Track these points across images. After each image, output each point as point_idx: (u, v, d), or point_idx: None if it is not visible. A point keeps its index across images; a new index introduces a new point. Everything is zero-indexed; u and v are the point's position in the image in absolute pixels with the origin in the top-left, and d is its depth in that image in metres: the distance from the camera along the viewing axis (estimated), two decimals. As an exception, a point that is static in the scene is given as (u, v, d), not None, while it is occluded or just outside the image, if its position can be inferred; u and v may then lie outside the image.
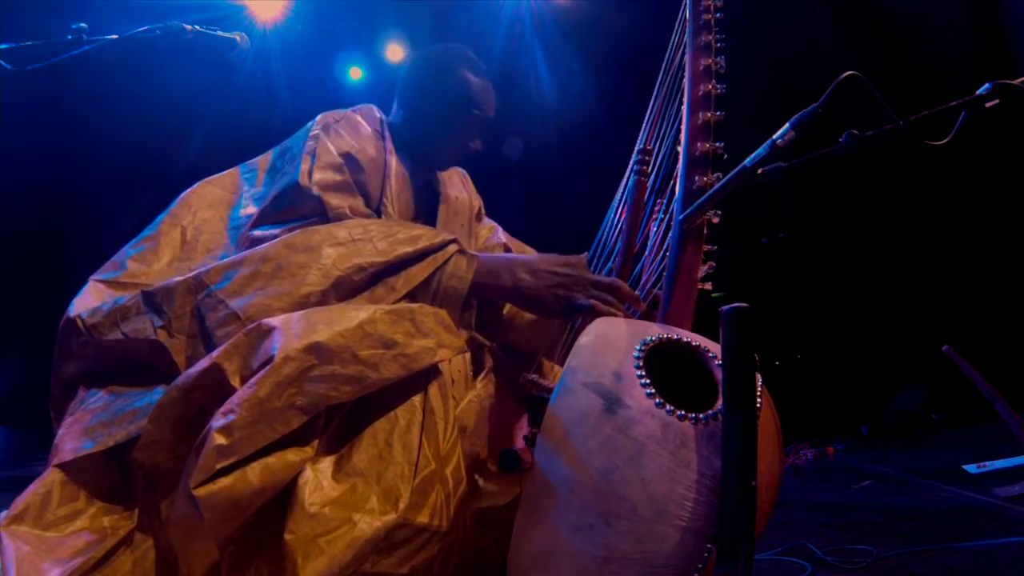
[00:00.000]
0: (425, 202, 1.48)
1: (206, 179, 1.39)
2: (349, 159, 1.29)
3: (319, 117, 1.37)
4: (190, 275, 1.08)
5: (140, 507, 0.99)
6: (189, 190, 1.36)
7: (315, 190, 1.21)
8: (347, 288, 1.05)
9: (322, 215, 1.21)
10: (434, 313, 1.04)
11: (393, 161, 1.37)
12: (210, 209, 1.34)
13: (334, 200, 1.21)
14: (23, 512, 0.95)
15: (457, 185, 1.58)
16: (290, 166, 1.29)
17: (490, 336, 1.34)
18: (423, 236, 1.14)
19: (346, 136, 1.33)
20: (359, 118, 1.39)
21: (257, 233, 1.20)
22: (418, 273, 1.11)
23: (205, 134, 4.62)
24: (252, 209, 1.31)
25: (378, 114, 1.46)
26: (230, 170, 1.43)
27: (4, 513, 0.96)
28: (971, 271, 4.57)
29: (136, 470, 0.98)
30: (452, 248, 1.16)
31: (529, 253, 1.67)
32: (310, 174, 1.23)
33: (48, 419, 1.16)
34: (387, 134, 1.41)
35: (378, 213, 1.31)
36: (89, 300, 1.15)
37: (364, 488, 0.89)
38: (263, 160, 1.43)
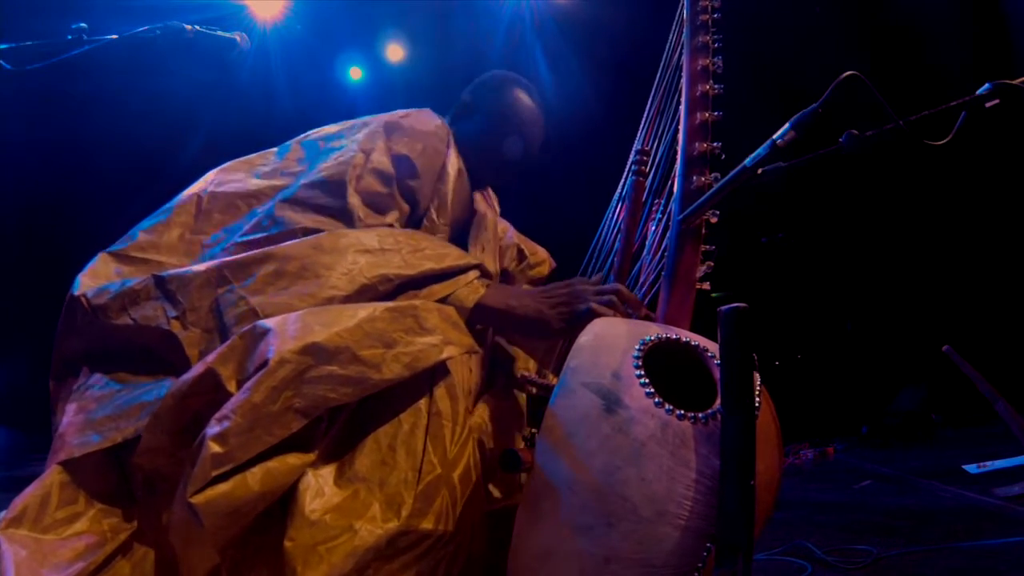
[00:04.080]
0: (464, 220, 1.46)
1: (236, 159, 1.32)
2: (405, 162, 1.24)
3: (384, 115, 1.31)
4: (211, 265, 1.05)
5: (140, 509, 0.99)
6: (217, 168, 1.30)
7: (354, 197, 1.16)
8: (370, 296, 1.03)
9: (354, 216, 1.16)
10: (438, 309, 1.02)
11: (452, 171, 1.32)
12: (231, 180, 1.27)
13: (366, 214, 1.17)
14: (21, 514, 0.94)
15: (481, 200, 1.56)
16: (337, 155, 1.22)
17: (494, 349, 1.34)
18: (449, 255, 1.13)
19: (405, 137, 1.27)
20: (424, 118, 1.34)
21: (282, 212, 1.15)
22: (440, 291, 1.10)
23: (205, 134, 4.62)
24: (278, 181, 1.24)
25: (439, 120, 1.39)
26: (263, 151, 1.34)
27: (2, 515, 0.95)
28: (971, 271, 4.57)
29: (136, 472, 0.97)
30: (473, 274, 1.15)
31: (540, 255, 1.66)
32: (358, 177, 1.19)
33: (49, 418, 1.15)
34: (451, 140, 1.36)
35: (421, 219, 1.28)
36: (95, 275, 1.12)
37: (366, 494, 0.88)
38: (298, 139, 1.34)
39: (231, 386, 0.88)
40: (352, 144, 1.23)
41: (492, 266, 1.45)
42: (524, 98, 1.41)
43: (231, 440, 0.82)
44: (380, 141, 1.24)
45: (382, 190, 1.21)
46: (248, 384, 0.85)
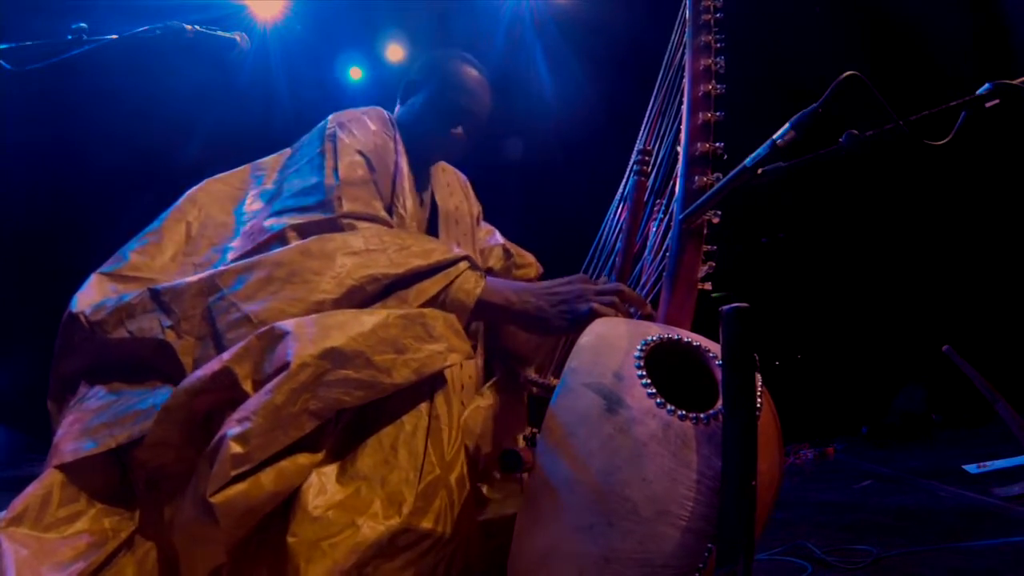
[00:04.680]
0: (427, 209, 1.48)
1: (213, 177, 1.39)
2: (364, 158, 1.29)
3: (331, 117, 1.36)
4: (203, 275, 1.07)
5: (142, 507, 0.99)
6: (196, 187, 1.36)
7: (336, 189, 1.21)
8: (359, 298, 1.05)
9: (340, 213, 1.20)
10: (444, 317, 1.03)
11: (404, 164, 1.36)
12: (216, 204, 1.33)
13: (349, 205, 1.20)
14: (22, 514, 0.94)
15: (458, 193, 1.57)
16: (307, 163, 1.28)
17: (493, 343, 1.34)
18: (436, 250, 1.14)
19: (359, 135, 1.33)
20: (368, 119, 1.39)
21: (270, 221, 1.19)
22: (430, 287, 1.10)
23: (205, 134, 4.62)
24: (258, 205, 1.30)
25: (387, 115, 1.45)
26: (238, 168, 1.42)
27: (3, 514, 0.95)
28: (971, 271, 4.57)
29: (137, 469, 0.97)
30: (463, 265, 1.15)
31: (527, 258, 1.68)
32: (334, 171, 1.23)
33: (48, 418, 1.15)
34: (397, 136, 1.41)
35: (390, 213, 1.30)
36: (92, 294, 1.14)
37: (368, 492, 0.89)
38: (274, 160, 1.42)
39: (246, 385, 0.89)
40: (317, 148, 1.29)
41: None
42: (469, 69, 1.45)
43: (252, 441, 0.83)
44: (341, 139, 1.29)
45: (359, 175, 1.25)
46: (269, 386, 0.86)
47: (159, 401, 0.96)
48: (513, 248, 1.67)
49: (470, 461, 1.07)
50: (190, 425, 0.93)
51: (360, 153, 1.29)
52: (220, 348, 0.99)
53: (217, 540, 0.83)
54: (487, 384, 1.27)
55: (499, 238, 1.66)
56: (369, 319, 0.95)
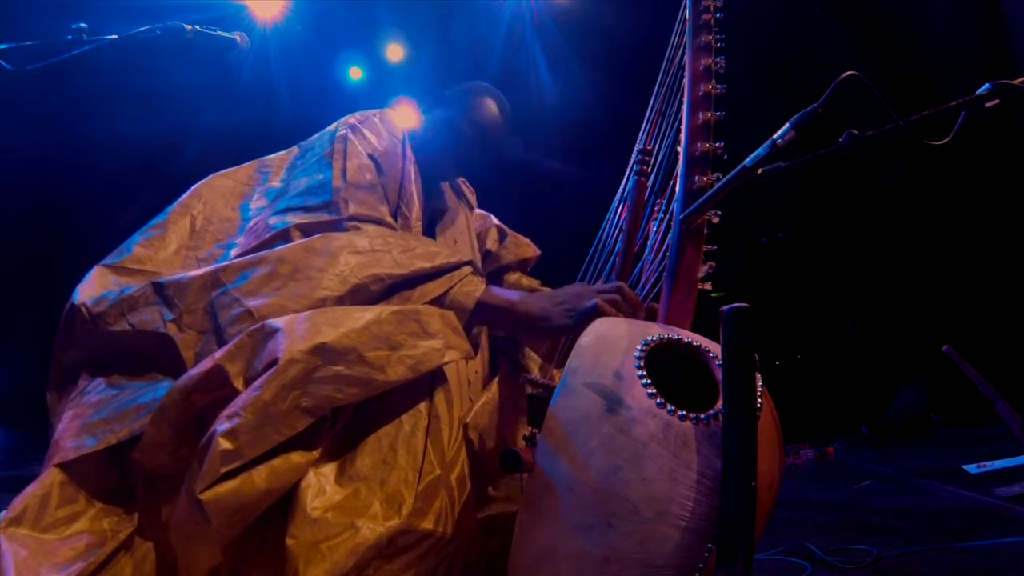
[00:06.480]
0: (429, 213, 1.48)
1: (220, 172, 1.38)
2: (374, 161, 1.29)
3: (343, 119, 1.37)
4: (207, 270, 1.07)
5: (140, 509, 0.99)
6: (201, 182, 1.35)
7: (343, 191, 1.21)
8: (363, 296, 1.04)
9: (346, 215, 1.20)
10: (441, 314, 1.03)
11: (412, 169, 1.37)
12: (221, 200, 1.33)
13: (355, 207, 1.20)
14: (21, 514, 0.94)
15: (452, 196, 1.58)
16: (315, 163, 1.28)
17: (498, 337, 1.34)
18: (440, 254, 1.14)
19: (370, 138, 1.33)
20: (379, 122, 1.39)
21: (274, 219, 1.19)
22: (433, 289, 1.10)
23: (205, 134, 4.62)
24: (264, 202, 1.30)
25: (393, 124, 1.45)
26: (245, 164, 1.42)
27: (2, 515, 0.95)
28: (971, 271, 4.57)
29: (136, 471, 0.97)
30: (467, 269, 1.15)
31: (523, 239, 1.68)
32: (343, 173, 1.23)
33: (47, 412, 1.15)
34: (407, 141, 1.41)
35: (395, 216, 1.31)
36: (94, 286, 1.13)
37: (367, 493, 0.89)
38: (280, 158, 1.41)
39: (238, 383, 0.89)
40: (326, 149, 1.29)
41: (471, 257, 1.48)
42: (489, 104, 1.45)
43: (241, 437, 0.82)
44: (352, 141, 1.29)
45: (367, 179, 1.25)
46: (258, 382, 0.86)
47: (160, 396, 0.96)
48: (509, 231, 1.68)
49: (476, 458, 1.07)
50: (184, 424, 0.93)
51: (370, 156, 1.29)
52: (221, 343, 0.99)
53: (210, 538, 0.82)
54: (495, 379, 1.27)
55: (494, 220, 1.67)
56: (362, 315, 0.94)
